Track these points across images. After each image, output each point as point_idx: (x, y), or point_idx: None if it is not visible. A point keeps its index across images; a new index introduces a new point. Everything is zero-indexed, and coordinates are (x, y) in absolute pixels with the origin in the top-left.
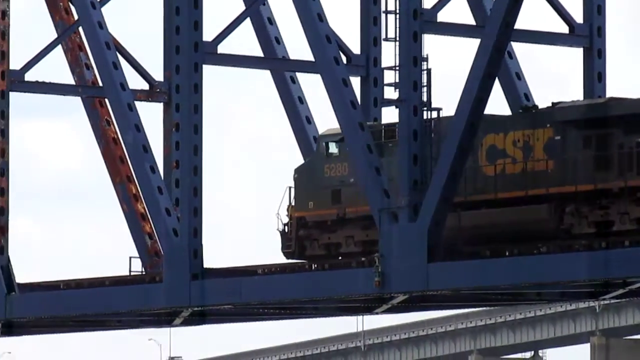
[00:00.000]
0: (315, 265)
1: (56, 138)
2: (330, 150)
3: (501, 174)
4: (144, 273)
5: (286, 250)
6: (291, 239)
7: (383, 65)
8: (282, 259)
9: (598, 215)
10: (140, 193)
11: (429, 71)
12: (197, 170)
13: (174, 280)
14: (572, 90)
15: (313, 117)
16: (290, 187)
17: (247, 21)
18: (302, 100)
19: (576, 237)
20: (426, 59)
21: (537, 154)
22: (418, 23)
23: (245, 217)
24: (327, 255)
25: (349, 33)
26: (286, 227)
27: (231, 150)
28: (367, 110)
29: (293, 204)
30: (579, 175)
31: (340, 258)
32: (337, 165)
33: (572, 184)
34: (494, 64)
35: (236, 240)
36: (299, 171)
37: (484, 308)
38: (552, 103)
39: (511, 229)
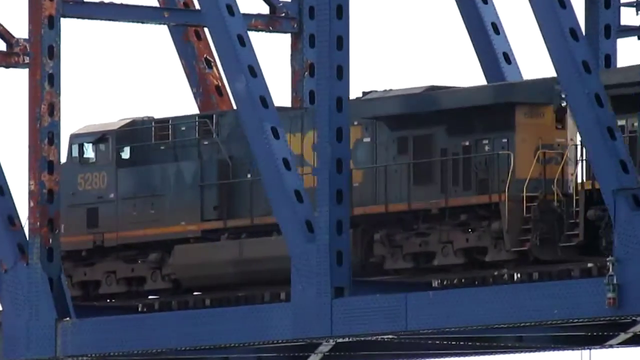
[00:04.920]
0: (519, 276)
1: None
2: (86, 155)
3: None
4: None
5: None
6: None
7: None
8: None
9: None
10: None
11: None
12: None
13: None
14: None
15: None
16: None
17: None
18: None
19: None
20: None
21: None
22: None
23: None
24: (84, 296)
25: None
26: None
27: None
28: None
29: None
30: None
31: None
32: (93, 175)
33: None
34: None
35: None
36: None
37: None
38: (363, 92)
39: None
